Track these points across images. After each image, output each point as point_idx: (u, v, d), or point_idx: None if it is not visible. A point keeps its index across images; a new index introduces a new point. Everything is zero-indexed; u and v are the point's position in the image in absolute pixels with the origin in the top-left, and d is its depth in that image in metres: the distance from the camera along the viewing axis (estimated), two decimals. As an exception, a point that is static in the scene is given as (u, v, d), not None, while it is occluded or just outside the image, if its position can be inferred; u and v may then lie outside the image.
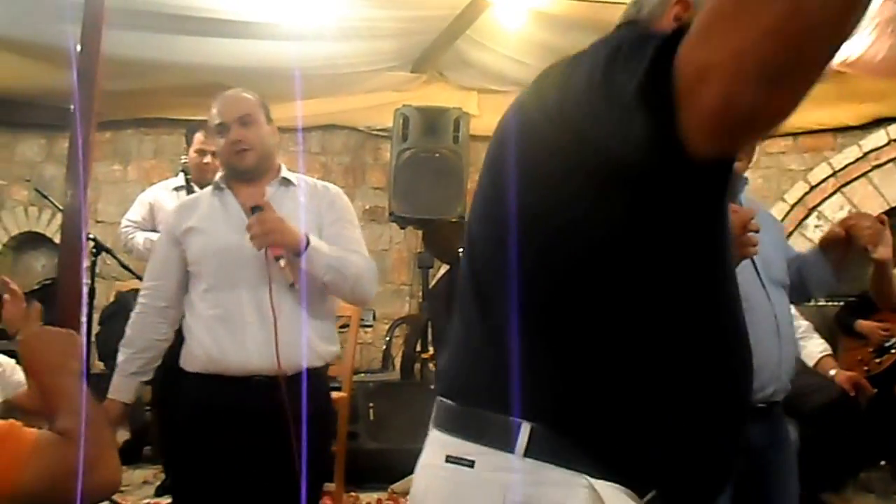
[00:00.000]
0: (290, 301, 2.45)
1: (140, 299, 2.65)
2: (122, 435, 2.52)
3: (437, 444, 1.14)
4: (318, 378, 2.55)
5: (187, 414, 2.54)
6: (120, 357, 2.62)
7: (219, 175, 2.66)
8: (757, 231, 1.95)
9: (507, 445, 1.04)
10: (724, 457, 1.12)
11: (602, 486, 1.01)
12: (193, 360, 2.52)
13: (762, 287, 2.19)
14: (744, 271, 1.98)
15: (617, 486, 1.02)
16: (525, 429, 1.04)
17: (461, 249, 4.79)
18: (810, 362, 4.10)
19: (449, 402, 1.15)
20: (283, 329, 2.40)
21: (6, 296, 2.81)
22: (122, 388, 2.59)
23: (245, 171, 2.55)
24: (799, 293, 2.41)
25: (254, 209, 2.42)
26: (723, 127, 0.82)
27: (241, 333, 2.43)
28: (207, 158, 4.29)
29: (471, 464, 1.07)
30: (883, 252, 2.29)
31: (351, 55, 5.35)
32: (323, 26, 4.81)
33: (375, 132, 6.25)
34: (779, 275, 2.27)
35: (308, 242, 2.42)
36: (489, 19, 4.88)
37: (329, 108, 5.92)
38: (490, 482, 1.05)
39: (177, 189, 4.44)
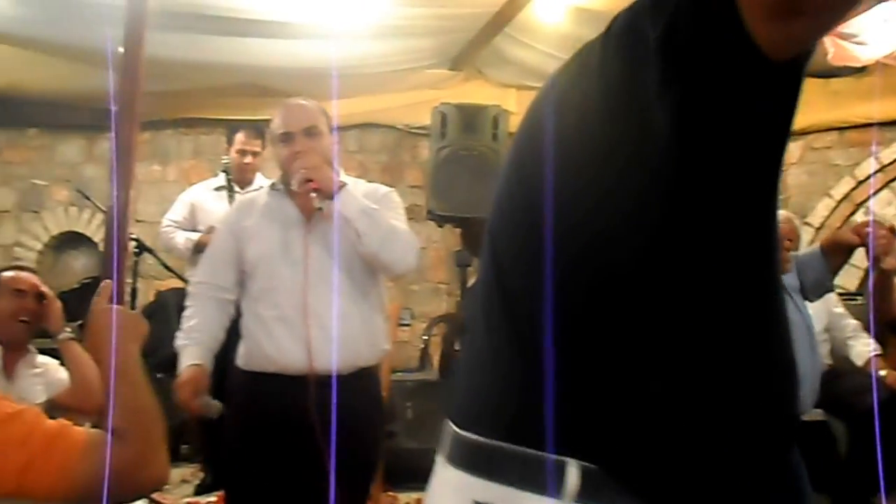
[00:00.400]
0: (346, 299, 2.50)
1: (197, 290, 2.67)
2: (215, 405, 2.54)
3: (460, 488, 0.94)
4: (371, 376, 2.61)
5: (244, 412, 2.58)
6: (181, 336, 2.62)
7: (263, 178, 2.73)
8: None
9: (552, 489, 0.86)
10: (779, 480, 0.96)
11: None
12: (251, 358, 2.57)
13: (790, 297, 2.15)
14: None
15: None
16: (573, 470, 0.87)
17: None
18: (859, 362, 4.01)
19: (470, 435, 0.96)
20: (346, 326, 2.46)
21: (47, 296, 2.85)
22: (195, 353, 2.57)
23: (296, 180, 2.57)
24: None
25: (297, 155, 2.49)
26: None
27: (297, 332, 2.48)
28: (248, 158, 4.33)
29: None
30: (891, 262, 2.28)
31: (389, 53, 5.33)
32: (361, 25, 4.80)
33: (413, 130, 6.23)
34: (791, 281, 2.26)
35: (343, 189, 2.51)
36: (528, 15, 4.83)
37: (367, 107, 5.92)
38: None
39: (217, 189, 4.47)
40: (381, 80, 5.67)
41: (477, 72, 5.93)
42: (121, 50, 3.52)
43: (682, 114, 0.83)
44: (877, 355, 4.07)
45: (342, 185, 2.51)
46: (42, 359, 2.94)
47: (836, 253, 2.39)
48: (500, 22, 4.91)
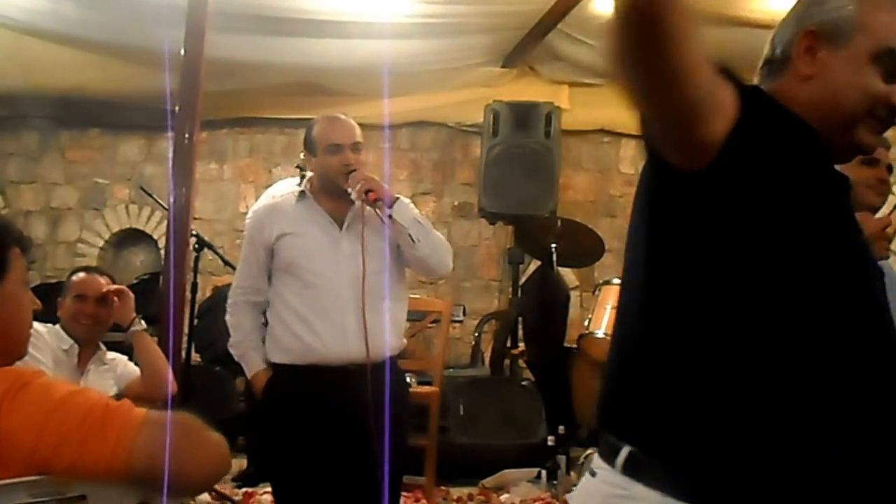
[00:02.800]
0: (378, 295, 2.68)
1: (236, 298, 2.85)
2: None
3: None
4: (396, 364, 2.79)
5: (285, 404, 2.72)
6: (237, 345, 2.83)
7: (303, 183, 2.89)
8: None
9: (612, 462, 1.20)
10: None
11: None
12: (286, 352, 2.72)
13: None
14: None
15: None
16: (624, 451, 1.19)
17: (553, 244, 4.75)
18: None
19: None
20: (372, 319, 2.65)
21: (115, 298, 2.96)
22: (259, 358, 2.78)
23: (346, 192, 2.74)
24: None
25: (349, 173, 2.72)
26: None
27: (337, 325, 2.65)
28: None
29: (594, 474, 1.25)
30: None
31: (441, 51, 5.35)
32: (414, 23, 4.83)
33: (465, 128, 6.24)
34: None
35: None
36: (581, 11, 4.81)
37: (419, 105, 5.94)
38: (597, 490, 1.24)
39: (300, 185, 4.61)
40: (433, 78, 5.70)
41: (529, 69, 5.92)
42: (182, 52, 3.62)
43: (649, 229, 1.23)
44: None
45: (397, 197, 2.75)
46: (111, 354, 3.05)
47: None
48: (553, 18, 4.90)
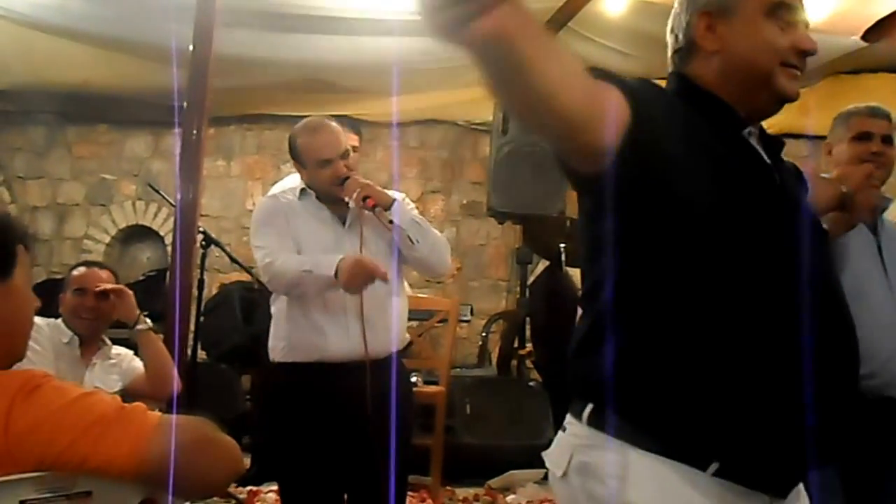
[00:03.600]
0: (382, 292, 2.66)
1: (271, 261, 2.67)
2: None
3: None
4: (401, 361, 2.80)
5: (285, 402, 2.72)
6: (303, 269, 2.62)
7: (302, 183, 2.82)
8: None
9: (579, 417, 1.36)
10: (792, 436, 1.26)
11: (645, 456, 1.28)
12: (290, 350, 2.70)
13: (885, 280, 2.25)
14: (864, 266, 2.28)
15: (664, 458, 1.27)
16: (588, 407, 1.35)
17: (562, 244, 4.72)
18: None
19: None
20: (375, 316, 2.65)
21: (112, 296, 2.93)
22: (329, 259, 2.61)
23: (341, 200, 2.73)
24: None
25: (343, 180, 2.70)
26: None
27: (340, 323, 2.64)
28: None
29: (565, 429, 1.41)
30: None
31: (451, 49, 5.32)
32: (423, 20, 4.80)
33: (474, 126, 6.22)
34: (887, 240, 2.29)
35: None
36: (592, 10, 4.79)
37: (428, 103, 5.92)
38: (567, 443, 1.39)
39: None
40: (442, 76, 5.66)
41: (539, 68, 5.89)
42: (191, 48, 3.60)
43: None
44: None
45: (393, 199, 2.74)
46: (116, 349, 3.03)
47: None
48: (563, 17, 4.87)
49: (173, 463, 1.29)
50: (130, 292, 3.00)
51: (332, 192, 2.72)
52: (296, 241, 2.72)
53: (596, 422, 1.32)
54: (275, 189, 4.71)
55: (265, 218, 2.80)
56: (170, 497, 1.30)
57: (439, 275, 3.06)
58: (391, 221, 2.68)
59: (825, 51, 5.54)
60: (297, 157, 2.79)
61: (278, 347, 2.73)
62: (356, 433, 2.59)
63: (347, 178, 2.70)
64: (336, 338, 2.63)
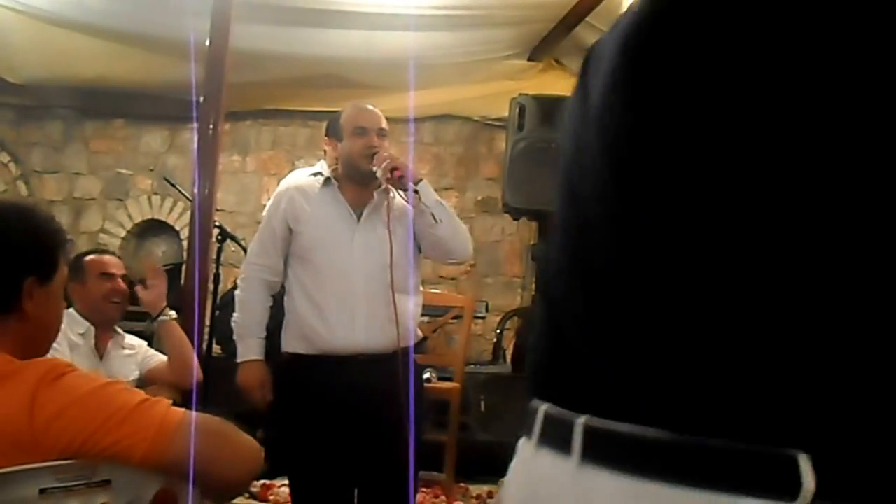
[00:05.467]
0: (396, 286, 2.71)
1: (250, 273, 2.85)
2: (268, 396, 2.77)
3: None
4: (413, 354, 2.83)
5: (294, 395, 2.76)
6: (240, 324, 2.82)
7: (327, 170, 2.87)
8: None
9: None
10: None
11: None
12: (299, 341, 2.74)
13: None
14: None
15: None
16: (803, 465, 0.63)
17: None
18: None
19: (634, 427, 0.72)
20: (381, 310, 2.69)
21: (148, 282, 2.97)
22: (256, 348, 2.80)
23: (367, 174, 2.77)
24: None
25: (373, 154, 2.74)
26: None
27: (352, 315, 2.68)
28: None
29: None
30: None
31: (466, 44, 5.31)
32: (439, 15, 4.79)
33: (490, 122, 6.20)
34: None
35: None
36: (609, 4, 4.76)
37: (443, 98, 5.91)
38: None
39: (315, 175, 4.62)
40: (458, 71, 5.66)
41: (555, 62, 5.86)
42: (208, 43, 3.61)
43: None
44: None
45: (420, 178, 2.76)
46: (130, 339, 3.04)
47: None
48: (581, 11, 4.85)
49: (194, 459, 1.32)
50: (165, 283, 3.05)
51: (361, 163, 2.76)
52: (305, 231, 2.76)
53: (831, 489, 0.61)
54: (285, 183, 4.73)
55: (268, 214, 2.88)
56: (189, 486, 1.32)
57: (459, 261, 3.08)
58: (417, 192, 2.72)
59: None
60: (335, 131, 2.86)
61: (287, 339, 2.78)
62: (360, 427, 2.62)
63: (377, 151, 2.75)
64: (343, 331, 2.66)
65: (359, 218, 2.77)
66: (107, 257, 3.02)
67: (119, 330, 3.01)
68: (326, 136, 2.92)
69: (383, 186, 2.78)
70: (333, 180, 2.83)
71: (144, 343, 3.07)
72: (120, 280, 2.93)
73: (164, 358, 3.02)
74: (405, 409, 2.58)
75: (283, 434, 2.85)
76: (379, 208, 2.76)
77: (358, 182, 2.80)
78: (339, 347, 2.66)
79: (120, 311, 2.93)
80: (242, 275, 2.85)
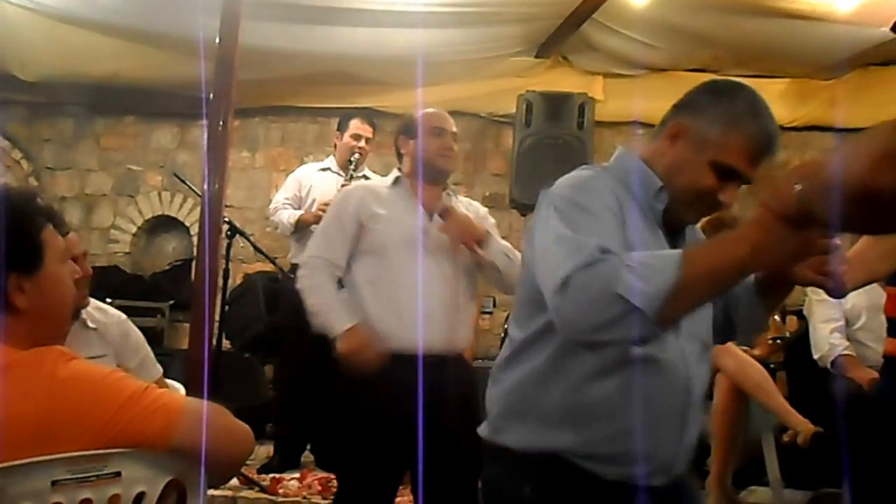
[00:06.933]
0: (462, 288, 2.83)
1: (315, 264, 2.81)
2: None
3: None
4: (466, 360, 2.94)
5: (355, 390, 2.74)
6: (321, 302, 2.77)
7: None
8: None
9: None
10: None
11: None
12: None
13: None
14: None
15: None
16: None
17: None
18: None
19: None
20: (455, 313, 2.79)
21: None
22: (347, 314, 2.74)
23: (442, 172, 2.91)
24: (722, 336, 1.88)
25: (442, 213, 2.82)
26: None
27: (427, 316, 2.69)
28: (362, 143, 4.54)
29: None
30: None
31: (474, 41, 5.33)
32: (447, 12, 4.81)
33: (497, 118, 6.21)
34: (701, 330, 1.70)
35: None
36: (617, 2, 4.77)
37: (451, 95, 5.91)
38: None
39: (323, 170, 4.67)
40: (465, 67, 5.68)
41: (563, 59, 5.87)
42: (217, 40, 3.63)
43: None
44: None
45: (487, 234, 2.86)
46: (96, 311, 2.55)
47: (770, 289, 1.77)
48: (588, 8, 4.86)
49: (196, 442, 1.38)
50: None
51: (436, 162, 2.87)
52: (381, 229, 2.79)
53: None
54: (293, 177, 4.76)
55: (337, 211, 2.87)
56: (202, 470, 1.37)
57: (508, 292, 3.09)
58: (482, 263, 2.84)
59: (854, 42, 5.50)
60: (409, 130, 2.93)
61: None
62: (430, 427, 2.53)
63: (447, 210, 2.82)
64: (410, 330, 2.66)
65: (430, 218, 2.83)
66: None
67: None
68: (401, 135, 2.97)
69: (446, 190, 2.92)
70: (405, 179, 2.90)
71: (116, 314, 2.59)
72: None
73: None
74: (471, 410, 2.65)
75: (348, 429, 2.82)
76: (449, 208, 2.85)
77: (430, 180, 2.87)
78: (412, 346, 2.64)
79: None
80: (305, 269, 2.83)
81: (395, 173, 2.93)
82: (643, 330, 1.36)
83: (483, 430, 1.75)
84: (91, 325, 2.47)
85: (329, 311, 2.74)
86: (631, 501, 1.60)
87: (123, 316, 2.60)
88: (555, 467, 1.60)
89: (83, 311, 2.45)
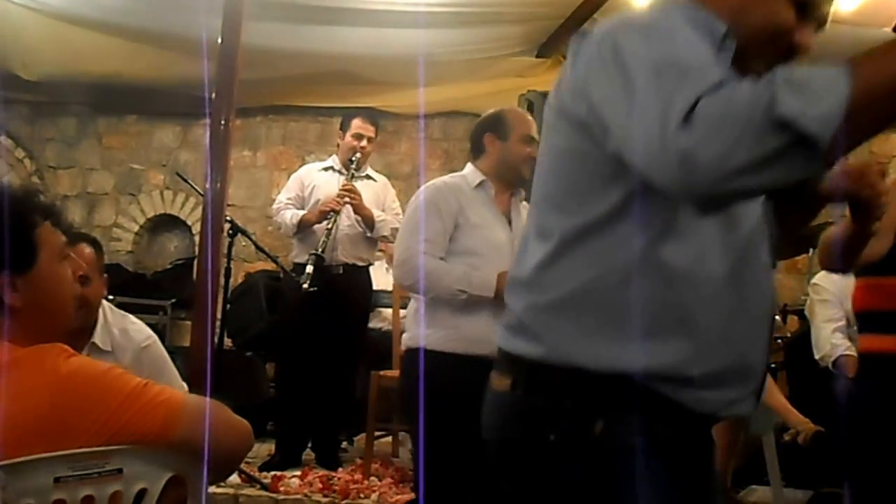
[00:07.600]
0: None
1: (415, 251, 2.82)
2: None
3: None
4: None
5: (433, 390, 2.69)
6: (457, 275, 2.78)
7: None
8: None
9: None
10: None
11: None
12: (442, 339, 2.78)
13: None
14: None
15: None
16: None
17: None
18: None
19: None
20: None
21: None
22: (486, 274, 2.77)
23: (524, 182, 2.89)
24: None
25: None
26: None
27: (496, 318, 2.65)
28: (364, 142, 4.55)
29: None
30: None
31: (475, 41, 5.33)
32: (448, 12, 4.82)
33: (498, 118, 6.22)
34: None
35: None
36: (618, 1, 4.77)
37: (452, 95, 5.93)
38: None
39: (325, 170, 4.68)
40: (467, 67, 5.68)
41: (563, 59, 5.85)
42: (219, 40, 3.64)
43: None
44: None
45: None
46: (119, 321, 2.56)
47: None
48: (589, 8, 4.86)
49: (198, 438, 1.40)
50: None
51: (522, 169, 2.86)
52: (474, 231, 2.81)
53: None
54: (297, 175, 4.76)
55: (433, 203, 2.86)
56: (203, 465, 1.38)
57: None
58: None
59: (855, 43, 5.50)
60: (500, 130, 2.93)
61: (434, 334, 2.79)
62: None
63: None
64: (492, 333, 2.62)
65: (509, 223, 2.90)
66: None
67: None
68: (488, 132, 2.97)
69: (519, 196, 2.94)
70: (489, 183, 2.92)
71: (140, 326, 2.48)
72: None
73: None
74: None
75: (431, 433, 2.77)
76: (517, 218, 2.90)
77: (508, 184, 2.92)
78: (483, 350, 2.55)
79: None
80: (407, 254, 2.82)
81: (476, 173, 2.93)
82: (808, 167, 1.01)
83: (521, 346, 1.33)
84: (105, 347, 2.35)
85: (469, 276, 2.77)
86: (710, 441, 1.34)
87: (149, 340, 2.44)
88: (632, 394, 1.21)
89: (95, 333, 2.34)
